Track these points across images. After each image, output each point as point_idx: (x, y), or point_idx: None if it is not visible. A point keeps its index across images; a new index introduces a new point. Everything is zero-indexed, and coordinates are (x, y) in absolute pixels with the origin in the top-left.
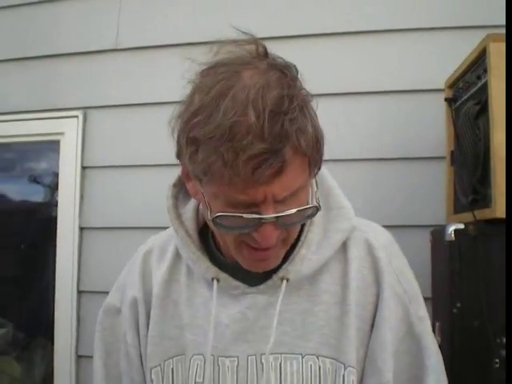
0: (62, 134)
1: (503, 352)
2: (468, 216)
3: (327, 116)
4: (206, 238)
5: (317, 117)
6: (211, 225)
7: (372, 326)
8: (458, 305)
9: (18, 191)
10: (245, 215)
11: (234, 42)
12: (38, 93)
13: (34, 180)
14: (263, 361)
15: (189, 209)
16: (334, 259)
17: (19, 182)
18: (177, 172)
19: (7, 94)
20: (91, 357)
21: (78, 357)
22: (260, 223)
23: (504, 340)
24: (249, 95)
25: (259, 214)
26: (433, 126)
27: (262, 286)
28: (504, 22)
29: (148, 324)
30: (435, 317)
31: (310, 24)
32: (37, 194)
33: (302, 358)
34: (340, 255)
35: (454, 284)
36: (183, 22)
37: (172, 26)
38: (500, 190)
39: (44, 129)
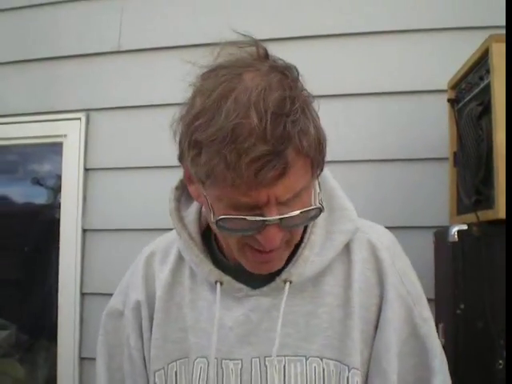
0: (64, 136)
1: None
2: (471, 217)
3: (328, 117)
4: (208, 240)
5: (319, 118)
6: (214, 227)
7: (376, 327)
8: (462, 306)
9: (21, 193)
10: (248, 217)
11: (235, 44)
12: (41, 95)
13: (37, 182)
14: (267, 363)
15: (191, 211)
16: (337, 261)
17: (22, 184)
18: (179, 174)
19: (9, 96)
20: (94, 359)
21: (82, 359)
22: (263, 225)
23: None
24: (250, 97)
25: (262, 216)
26: (435, 127)
27: (265, 289)
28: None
29: (151, 327)
30: (439, 318)
31: (310, 25)
32: (40, 196)
33: (306, 360)
34: (343, 257)
35: (457, 285)
36: (185, 23)
37: (174, 28)
38: (503, 191)
39: (47, 131)
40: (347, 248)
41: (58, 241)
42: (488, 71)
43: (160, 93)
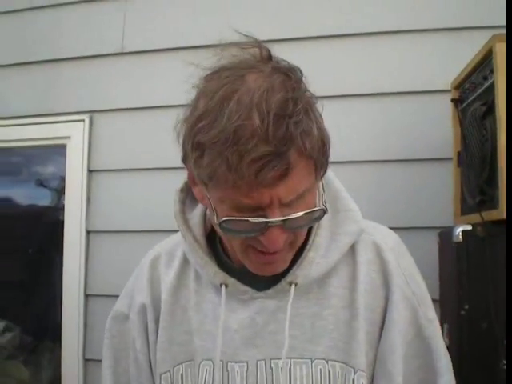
0: (68, 137)
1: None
2: (475, 217)
3: (328, 118)
4: (213, 242)
5: (322, 119)
6: (218, 229)
7: (381, 328)
8: (466, 306)
9: (25, 195)
10: (251, 219)
11: (238, 45)
12: (44, 97)
13: (41, 184)
14: (272, 365)
15: (196, 214)
16: (343, 262)
17: (26, 186)
18: (183, 176)
19: (12, 98)
20: (99, 360)
21: (86, 360)
22: (266, 227)
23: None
24: (253, 99)
25: (265, 217)
26: (438, 127)
27: (270, 291)
28: None
29: (157, 330)
30: (443, 318)
31: (310, 25)
32: (44, 198)
33: (312, 362)
34: (348, 258)
35: (461, 285)
36: (187, 25)
37: (178, 30)
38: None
39: (50, 133)
40: (352, 249)
41: (62, 242)
42: (492, 71)
43: (163, 94)
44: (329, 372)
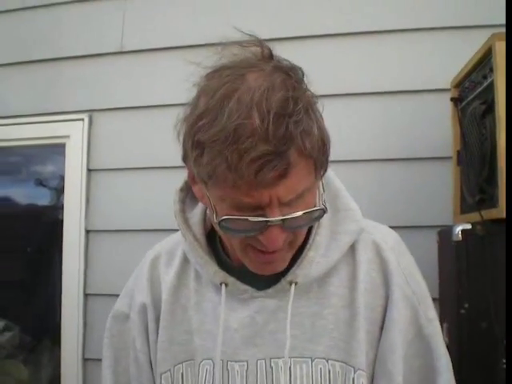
0: (67, 137)
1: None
2: (475, 216)
3: (329, 117)
4: (213, 242)
5: (322, 119)
6: (217, 228)
7: (381, 328)
8: (466, 305)
9: (24, 194)
10: (250, 218)
11: (239, 44)
12: (43, 96)
13: (40, 183)
14: (272, 365)
15: (196, 213)
16: (343, 262)
17: (25, 185)
18: (183, 175)
19: (12, 97)
20: (98, 360)
21: (85, 360)
22: (266, 226)
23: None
24: (253, 98)
25: (265, 216)
26: (437, 126)
27: (270, 290)
28: None
29: (157, 329)
30: (443, 317)
31: (310, 25)
32: (43, 198)
33: (312, 361)
34: (348, 258)
35: (461, 284)
36: (188, 24)
37: (177, 29)
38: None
39: (50, 132)
40: (352, 249)
41: (62, 242)
42: (491, 70)
43: (162, 94)
44: (329, 371)
